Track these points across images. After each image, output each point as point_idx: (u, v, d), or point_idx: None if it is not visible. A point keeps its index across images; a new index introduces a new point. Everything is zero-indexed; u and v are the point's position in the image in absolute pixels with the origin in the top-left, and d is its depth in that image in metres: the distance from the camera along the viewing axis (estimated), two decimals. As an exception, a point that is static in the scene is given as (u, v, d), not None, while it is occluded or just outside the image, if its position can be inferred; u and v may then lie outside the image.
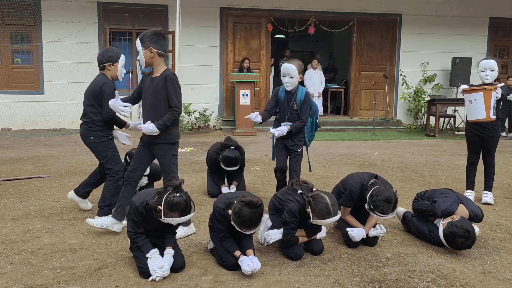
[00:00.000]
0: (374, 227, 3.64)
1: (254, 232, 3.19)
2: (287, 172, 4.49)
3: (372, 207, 3.39)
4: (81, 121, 4.10)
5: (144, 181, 4.82)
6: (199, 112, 11.14)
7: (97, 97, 4.03)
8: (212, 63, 11.54)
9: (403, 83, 12.12)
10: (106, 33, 10.99)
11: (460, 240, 3.41)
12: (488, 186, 5.00)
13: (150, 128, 3.62)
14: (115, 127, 4.17)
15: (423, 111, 12.04)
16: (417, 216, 3.91)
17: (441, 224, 3.57)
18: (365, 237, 3.59)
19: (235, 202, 3.07)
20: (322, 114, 12.60)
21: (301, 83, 4.65)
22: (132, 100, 3.92)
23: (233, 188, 4.97)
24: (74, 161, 7.00)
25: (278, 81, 12.75)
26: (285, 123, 4.33)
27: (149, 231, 3.14)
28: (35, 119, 10.59)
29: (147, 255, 3.02)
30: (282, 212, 3.39)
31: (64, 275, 3.02)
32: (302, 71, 4.33)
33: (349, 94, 12.61)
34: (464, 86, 4.76)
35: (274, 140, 4.53)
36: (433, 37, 12.24)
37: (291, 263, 3.30)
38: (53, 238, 3.69)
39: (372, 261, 3.36)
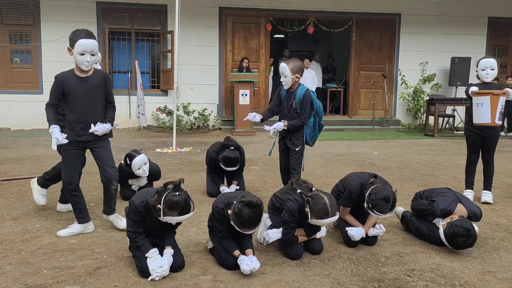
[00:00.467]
0: (373, 226, 3.64)
1: (254, 232, 3.18)
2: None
3: (370, 206, 3.39)
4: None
5: (143, 181, 4.82)
6: (198, 111, 11.14)
7: None
8: (211, 63, 11.54)
9: (402, 82, 12.13)
10: (105, 33, 10.99)
11: (461, 240, 3.41)
12: (488, 186, 5.00)
13: (107, 127, 3.79)
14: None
15: (422, 111, 12.05)
16: (416, 216, 3.91)
17: (441, 226, 3.57)
18: (364, 236, 3.59)
19: (235, 202, 3.07)
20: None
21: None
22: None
23: (233, 188, 4.97)
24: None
25: (277, 81, 12.81)
26: (283, 120, 4.40)
27: (149, 231, 3.14)
28: (34, 119, 10.57)
29: (146, 255, 3.02)
30: (282, 211, 3.39)
31: (63, 275, 3.02)
32: (300, 71, 4.34)
33: (348, 93, 12.62)
34: (474, 88, 4.67)
35: (277, 139, 4.62)
36: (432, 37, 12.25)
37: (291, 263, 3.30)
38: (52, 238, 3.69)
39: (371, 261, 3.36)
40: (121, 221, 3.91)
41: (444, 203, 3.70)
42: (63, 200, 4.40)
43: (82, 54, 3.53)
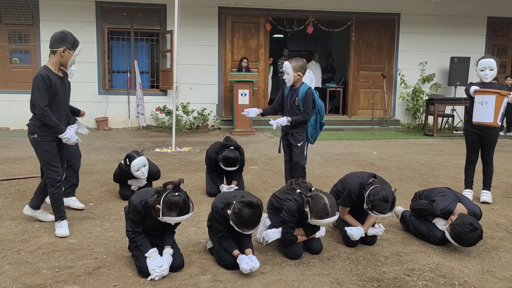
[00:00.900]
0: (373, 226, 3.64)
1: (253, 232, 3.18)
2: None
3: (370, 206, 3.39)
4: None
5: (143, 182, 4.81)
6: (198, 111, 11.13)
7: None
8: (210, 63, 11.53)
9: (402, 82, 12.13)
10: (104, 32, 10.98)
11: (468, 236, 3.40)
12: (487, 185, 5.01)
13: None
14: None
15: (421, 111, 12.05)
16: (415, 215, 3.91)
17: (445, 230, 3.55)
18: (363, 236, 3.59)
19: (234, 202, 3.06)
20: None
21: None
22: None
23: (232, 188, 4.97)
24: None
25: (276, 81, 12.83)
26: (287, 116, 4.63)
27: (148, 231, 3.14)
28: (33, 118, 10.54)
29: (146, 255, 3.02)
30: (281, 211, 3.39)
31: (62, 275, 3.02)
32: (302, 69, 4.54)
33: (347, 93, 12.61)
34: (476, 87, 4.66)
35: (281, 136, 4.86)
36: (431, 37, 12.25)
37: (290, 262, 3.30)
38: (52, 238, 3.69)
39: (371, 260, 3.36)
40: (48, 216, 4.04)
41: (444, 203, 3.70)
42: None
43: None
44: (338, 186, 3.85)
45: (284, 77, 4.61)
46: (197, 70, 11.38)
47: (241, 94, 10.40)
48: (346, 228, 3.59)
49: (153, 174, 4.88)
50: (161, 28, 11.29)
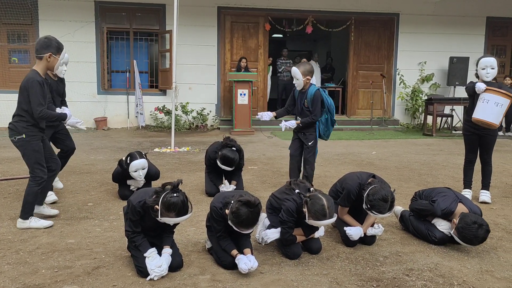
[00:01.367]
0: (372, 226, 3.65)
1: (252, 232, 3.18)
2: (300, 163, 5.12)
3: (369, 206, 3.39)
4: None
5: (141, 183, 4.80)
6: (197, 111, 11.13)
7: None
8: (209, 63, 11.52)
9: (401, 82, 12.13)
10: (103, 32, 10.98)
11: (476, 235, 3.39)
12: (486, 185, 5.01)
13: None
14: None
15: (420, 111, 12.06)
16: (414, 215, 3.91)
17: (454, 235, 3.53)
18: (363, 236, 3.60)
19: (233, 201, 3.06)
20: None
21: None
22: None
23: (232, 187, 4.96)
24: (71, 160, 6.94)
25: (275, 81, 12.83)
26: (296, 119, 4.96)
27: (147, 231, 3.14)
28: (32, 118, 10.54)
29: (145, 255, 3.02)
30: (280, 211, 3.39)
31: (61, 275, 3.02)
32: (310, 73, 4.81)
33: (346, 93, 12.61)
34: (483, 85, 4.61)
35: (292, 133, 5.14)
36: (430, 37, 12.26)
37: (289, 262, 3.30)
38: (51, 238, 3.68)
39: (370, 260, 3.37)
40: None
41: (445, 203, 3.70)
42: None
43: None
44: (337, 186, 3.85)
45: (294, 82, 4.85)
46: (196, 70, 11.37)
47: (240, 94, 10.40)
48: (345, 228, 3.59)
49: (153, 175, 4.88)
50: (160, 28, 11.28)
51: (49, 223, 3.91)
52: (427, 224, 3.78)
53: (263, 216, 3.56)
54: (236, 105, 10.43)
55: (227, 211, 3.08)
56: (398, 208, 4.17)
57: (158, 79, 11.54)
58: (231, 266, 3.11)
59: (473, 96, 4.77)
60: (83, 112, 10.45)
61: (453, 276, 3.11)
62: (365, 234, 3.60)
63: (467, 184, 5.08)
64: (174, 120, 8.61)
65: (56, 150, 4.63)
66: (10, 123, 3.85)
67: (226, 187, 4.97)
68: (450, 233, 3.60)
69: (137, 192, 3.26)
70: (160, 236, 3.17)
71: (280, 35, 15.62)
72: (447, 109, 11.73)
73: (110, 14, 11.21)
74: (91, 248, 3.49)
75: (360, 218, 3.70)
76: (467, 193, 4.97)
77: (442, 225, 3.69)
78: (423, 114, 11.80)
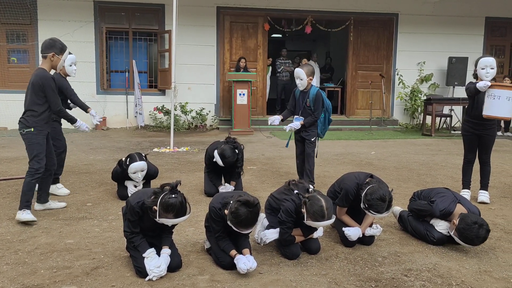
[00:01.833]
0: (370, 226, 3.65)
1: (251, 232, 3.18)
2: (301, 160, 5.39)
3: (367, 206, 3.39)
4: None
5: (139, 186, 4.78)
6: (196, 111, 11.12)
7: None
8: (208, 63, 11.52)
9: (400, 82, 12.14)
10: (102, 32, 10.97)
11: (477, 235, 3.40)
12: (484, 185, 5.02)
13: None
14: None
15: (419, 111, 12.07)
16: (413, 215, 3.92)
17: (454, 236, 3.54)
18: (361, 236, 3.60)
19: (232, 202, 3.07)
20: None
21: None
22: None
23: (230, 188, 4.95)
24: (70, 160, 6.96)
25: (275, 81, 12.83)
26: (297, 117, 5.22)
27: (146, 231, 3.14)
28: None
29: (144, 255, 3.02)
30: (278, 211, 3.39)
31: (60, 275, 3.02)
32: (312, 74, 5.12)
33: (345, 93, 12.62)
34: (485, 82, 4.57)
35: (292, 134, 5.40)
36: (429, 37, 12.26)
37: (288, 262, 3.30)
38: (49, 238, 3.68)
39: (368, 260, 3.37)
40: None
41: (443, 204, 3.70)
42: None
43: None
44: (335, 186, 3.86)
45: (297, 82, 5.12)
46: (195, 70, 11.37)
47: (240, 94, 10.40)
48: (343, 229, 3.60)
49: (152, 174, 4.87)
50: (160, 27, 11.28)
51: (32, 218, 3.99)
52: (425, 225, 3.78)
53: (262, 216, 3.56)
54: (235, 105, 10.43)
55: (226, 212, 3.08)
56: (397, 208, 4.18)
57: (157, 79, 11.54)
58: (230, 266, 3.11)
59: (473, 97, 4.76)
60: (82, 112, 10.42)
61: (452, 277, 3.12)
62: (363, 234, 3.61)
63: (466, 184, 5.09)
64: (173, 120, 8.61)
65: None
66: (21, 118, 4.11)
67: (226, 188, 4.97)
68: (449, 233, 3.60)
69: (136, 192, 3.27)
70: (159, 237, 3.17)
71: (279, 35, 15.62)
72: (446, 109, 11.74)
73: (109, 14, 11.20)
74: (90, 248, 3.49)
75: (359, 218, 3.70)
76: (466, 193, 4.98)
77: (440, 225, 3.70)
78: (422, 114, 11.81)
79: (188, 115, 11.08)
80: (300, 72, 5.05)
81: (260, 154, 7.79)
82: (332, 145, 8.94)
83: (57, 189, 4.98)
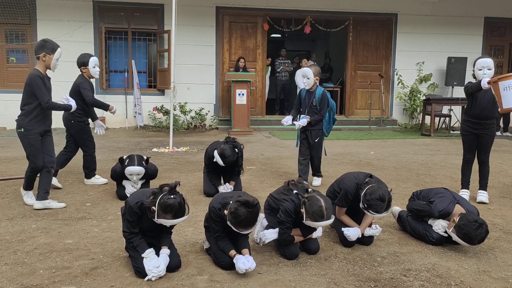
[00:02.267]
0: (369, 226, 3.65)
1: (250, 232, 3.19)
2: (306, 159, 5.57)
3: (366, 206, 3.40)
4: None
5: (137, 186, 4.78)
6: (195, 111, 11.12)
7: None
8: (208, 63, 11.52)
9: (399, 82, 12.15)
10: (101, 32, 10.96)
11: (476, 233, 3.39)
12: (483, 185, 5.02)
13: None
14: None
15: (418, 111, 12.08)
16: (412, 216, 3.92)
17: (451, 232, 3.54)
18: (360, 236, 3.60)
19: (231, 202, 3.07)
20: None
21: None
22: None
23: (230, 188, 4.95)
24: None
25: (274, 81, 12.82)
26: (303, 115, 5.42)
27: (145, 231, 3.14)
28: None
29: (143, 255, 3.02)
30: (278, 212, 3.39)
31: (59, 275, 3.02)
32: (319, 74, 5.41)
33: (345, 93, 12.63)
34: (485, 79, 4.49)
35: (298, 132, 5.62)
36: (428, 37, 12.28)
37: (287, 262, 3.30)
38: (49, 238, 3.68)
39: (367, 260, 3.37)
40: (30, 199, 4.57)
41: (442, 204, 3.70)
42: (88, 175, 5.43)
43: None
44: (334, 187, 3.86)
45: (304, 81, 5.37)
46: (194, 70, 11.37)
47: (239, 94, 10.40)
48: (343, 229, 3.60)
49: (151, 174, 4.86)
50: (159, 27, 11.28)
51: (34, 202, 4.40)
52: (424, 225, 3.78)
53: (261, 216, 3.56)
54: (234, 105, 10.43)
55: (225, 212, 3.08)
56: (396, 208, 4.18)
57: (156, 79, 11.54)
58: (229, 266, 3.11)
59: (472, 95, 4.77)
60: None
61: (451, 277, 3.12)
62: (362, 234, 3.61)
63: (465, 184, 5.09)
64: (173, 120, 8.60)
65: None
66: (16, 118, 4.33)
67: (226, 188, 4.96)
68: (446, 232, 3.60)
69: (135, 192, 3.27)
70: (158, 237, 3.17)
71: (279, 35, 15.62)
72: (445, 109, 11.75)
73: (109, 14, 11.20)
74: (89, 248, 3.49)
75: (358, 218, 3.70)
76: (465, 193, 4.98)
77: (435, 225, 3.69)
78: (421, 114, 11.82)
79: (187, 115, 11.08)
80: (308, 72, 5.30)
81: (259, 154, 7.79)
82: (332, 145, 8.94)
83: (96, 179, 5.46)
